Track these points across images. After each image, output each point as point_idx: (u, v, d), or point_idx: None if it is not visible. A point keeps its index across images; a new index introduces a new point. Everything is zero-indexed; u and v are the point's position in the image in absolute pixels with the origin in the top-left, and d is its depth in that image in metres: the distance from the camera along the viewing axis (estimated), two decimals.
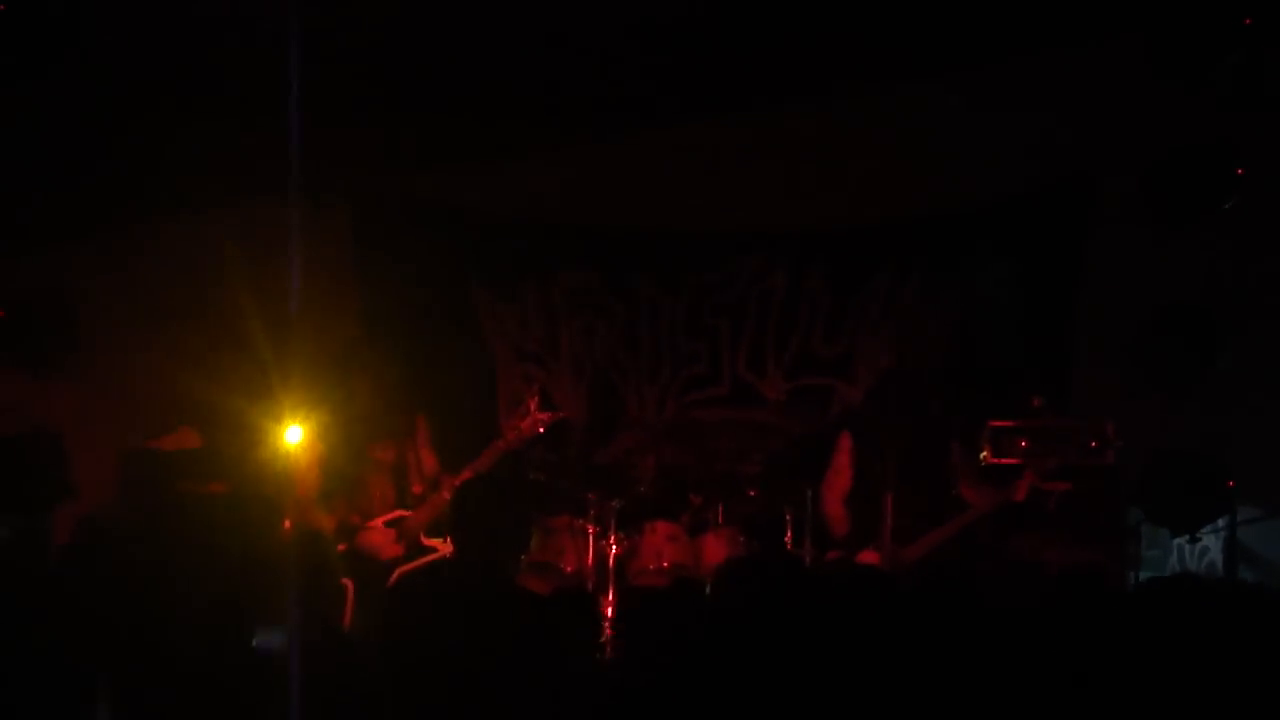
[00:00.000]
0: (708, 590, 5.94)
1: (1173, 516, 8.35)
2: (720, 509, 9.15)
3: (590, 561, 8.72)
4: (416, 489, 7.49)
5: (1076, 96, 9.03)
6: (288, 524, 7.24)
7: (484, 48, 8.27)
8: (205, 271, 9.44)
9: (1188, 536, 8.47)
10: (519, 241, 10.22)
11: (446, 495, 7.41)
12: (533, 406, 7.88)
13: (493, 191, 10.00)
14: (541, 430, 7.80)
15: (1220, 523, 8.64)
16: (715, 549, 8.72)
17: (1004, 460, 8.04)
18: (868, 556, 7.51)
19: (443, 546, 7.47)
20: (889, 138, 9.54)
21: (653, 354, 10.31)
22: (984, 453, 8.07)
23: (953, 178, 9.64)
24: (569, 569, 8.70)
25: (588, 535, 8.75)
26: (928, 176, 9.66)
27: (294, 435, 7.45)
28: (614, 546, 8.75)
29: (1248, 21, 7.62)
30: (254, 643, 4.89)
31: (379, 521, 7.32)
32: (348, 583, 6.61)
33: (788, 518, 8.68)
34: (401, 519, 7.36)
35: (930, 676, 4.73)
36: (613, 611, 8.55)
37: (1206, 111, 8.19)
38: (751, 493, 9.21)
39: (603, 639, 7.30)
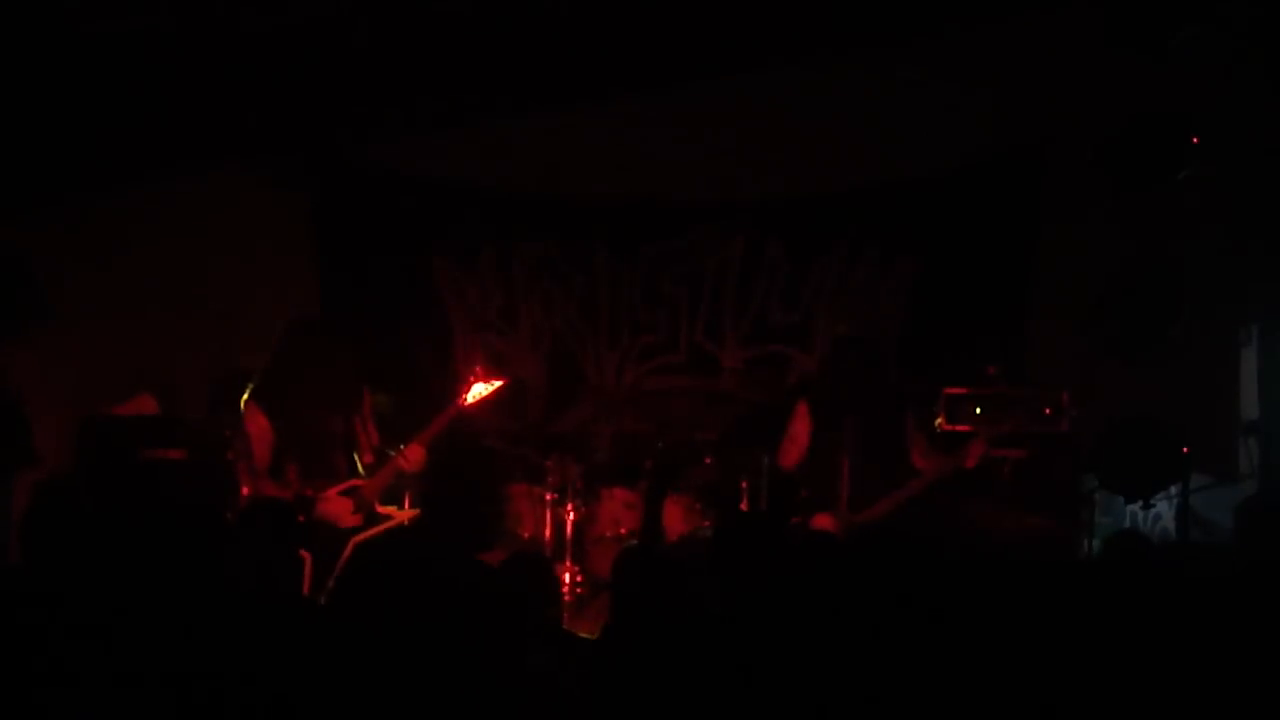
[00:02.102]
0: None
1: (1126, 483, 8.43)
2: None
3: (548, 529, 8.75)
4: (367, 459, 7.48)
5: (1031, 66, 9.10)
6: (245, 493, 7.24)
7: (439, 17, 8.27)
8: (167, 240, 9.43)
9: (1141, 503, 8.56)
10: (478, 211, 10.22)
11: (400, 464, 7.40)
12: (480, 374, 7.87)
13: (452, 161, 10.00)
14: (486, 399, 7.79)
15: (1173, 489, 8.73)
16: (672, 516, 8.75)
17: (958, 427, 8.10)
18: (823, 522, 7.53)
19: (398, 514, 7.48)
20: (845, 107, 9.58)
21: (611, 322, 10.33)
22: (938, 420, 8.11)
23: (909, 147, 9.70)
24: (526, 535, 8.75)
25: (545, 502, 8.78)
26: (884, 146, 9.73)
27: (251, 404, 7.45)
28: (571, 513, 8.78)
29: None
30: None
31: (333, 492, 7.30)
32: (305, 555, 6.62)
33: (744, 485, 8.72)
34: (357, 488, 7.34)
35: (882, 639, 4.77)
36: (570, 578, 8.60)
37: (1160, 81, 8.25)
38: (708, 460, 9.24)
39: (559, 606, 7.36)
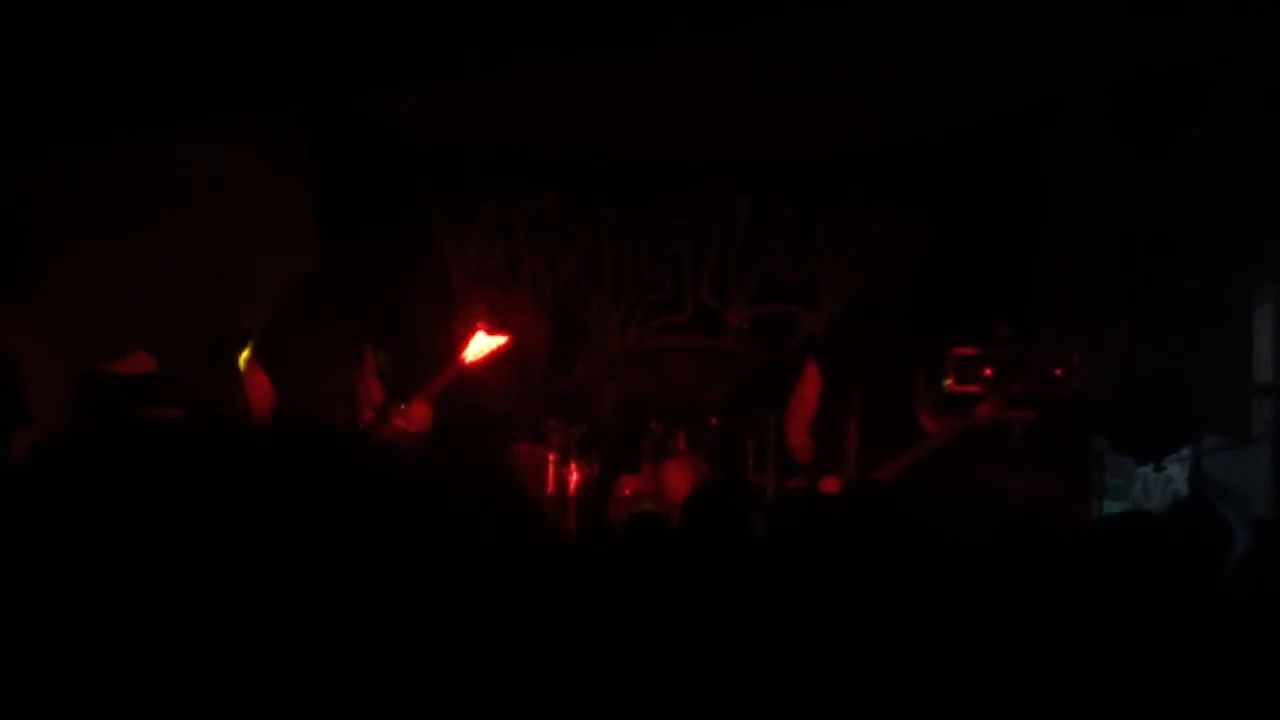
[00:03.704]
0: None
1: (1138, 445, 8.36)
2: (682, 437, 9.09)
3: (550, 489, 8.66)
4: (368, 417, 7.40)
5: (1043, 23, 8.94)
6: None
7: None
8: (164, 196, 9.31)
9: (1152, 465, 8.47)
10: (480, 166, 10.09)
11: (399, 422, 7.33)
12: (481, 330, 7.79)
13: (453, 115, 9.87)
14: (487, 356, 7.71)
15: (1185, 451, 8.65)
16: (677, 477, 8.65)
17: (968, 388, 7.98)
18: (830, 484, 7.44)
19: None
20: (855, 63, 9.43)
21: (615, 280, 10.21)
22: (948, 380, 8.01)
23: (918, 104, 9.55)
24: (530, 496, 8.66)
25: (548, 463, 8.69)
26: (893, 103, 9.56)
27: (251, 362, 7.38)
28: (575, 474, 8.69)
29: None
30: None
31: None
32: None
33: (750, 446, 8.63)
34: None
35: (885, 602, 4.68)
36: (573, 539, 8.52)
37: (1174, 38, 8.13)
38: (714, 421, 9.15)
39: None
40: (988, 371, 7.98)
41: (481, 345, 7.72)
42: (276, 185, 9.81)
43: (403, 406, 7.41)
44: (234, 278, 9.14)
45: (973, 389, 7.92)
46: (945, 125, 9.70)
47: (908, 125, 9.74)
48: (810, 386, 7.83)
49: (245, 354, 7.44)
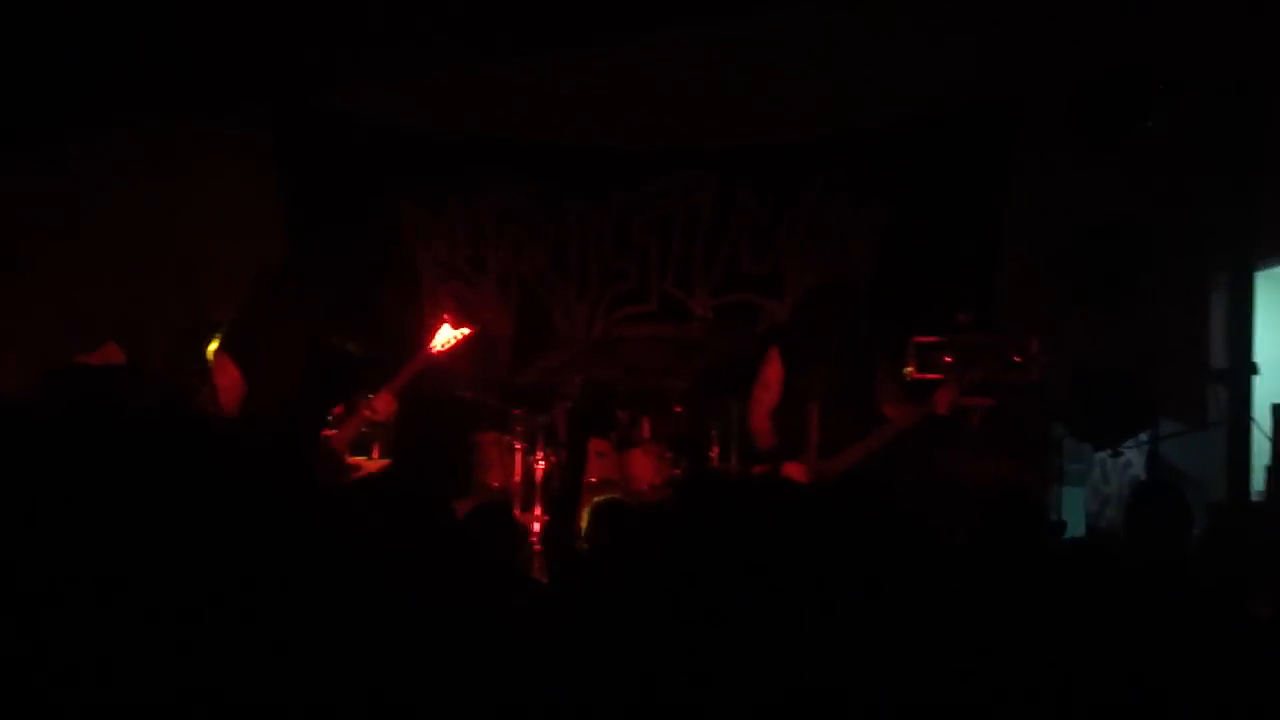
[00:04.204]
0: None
1: (1094, 431, 8.46)
2: (647, 425, 9.19)
3: (517, 478, 8.73)
4: (337, 409, 7.46)
5: (1004, 14, 9.04)
6: None
7: None
8: (133, 189, 9.36)
9: (1109, 451, 8.59)
10: (445, 158, 10.14)
11: (365, 413, 7.39)
12: (447, 321, 7.86)
13: (419, 108, 9.93)
14: (453, 346, 7.77)
15: (1144, 436, 8.76)
16: (642, 465, 8.75)
17: (928, 375, 8.09)
18: (793, 470, 7.54)
19: (366, 464, 7.48)
20: (819, 54, 9.53)
21: (581, 270, 10.28)
22: (909, 368, 8.12)
23: (880, 95, 9.64)
24: (496, 485, 8.73)
25: (515, 451, 8.76)
26: (856, 93, 9.66)
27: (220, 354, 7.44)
28: (541, 462, 8.76)
29: None
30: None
31: None
32: None
33: (714, 433, 8.72)
34: (325, 438, 7.33)
35: (848, 587, 4.77)
36: (539, 527, 8.59)
37: (1130, 30, 8.24)
38: (678, 409, 9.24)
39: (524, 554, 7.35)
40: (948, 359, 8.08)
41: (447, 336, 7.78)
42: (245, 179, 9.88)
43: (370, 397, 7.47)
44: (203, 270, 9.20)
45: (933, 376, 8.02)
46: (907, 116, 9.78)
47: (870, 116, 9.82)
48: (772, 373, 7.92)
49: (213, 345, 7.49)
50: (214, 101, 9.48)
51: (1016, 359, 8.06)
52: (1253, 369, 8.35)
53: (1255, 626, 4.98)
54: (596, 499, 6.41)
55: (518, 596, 5.26)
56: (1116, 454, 8.67)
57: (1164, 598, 4.84)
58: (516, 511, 8.46)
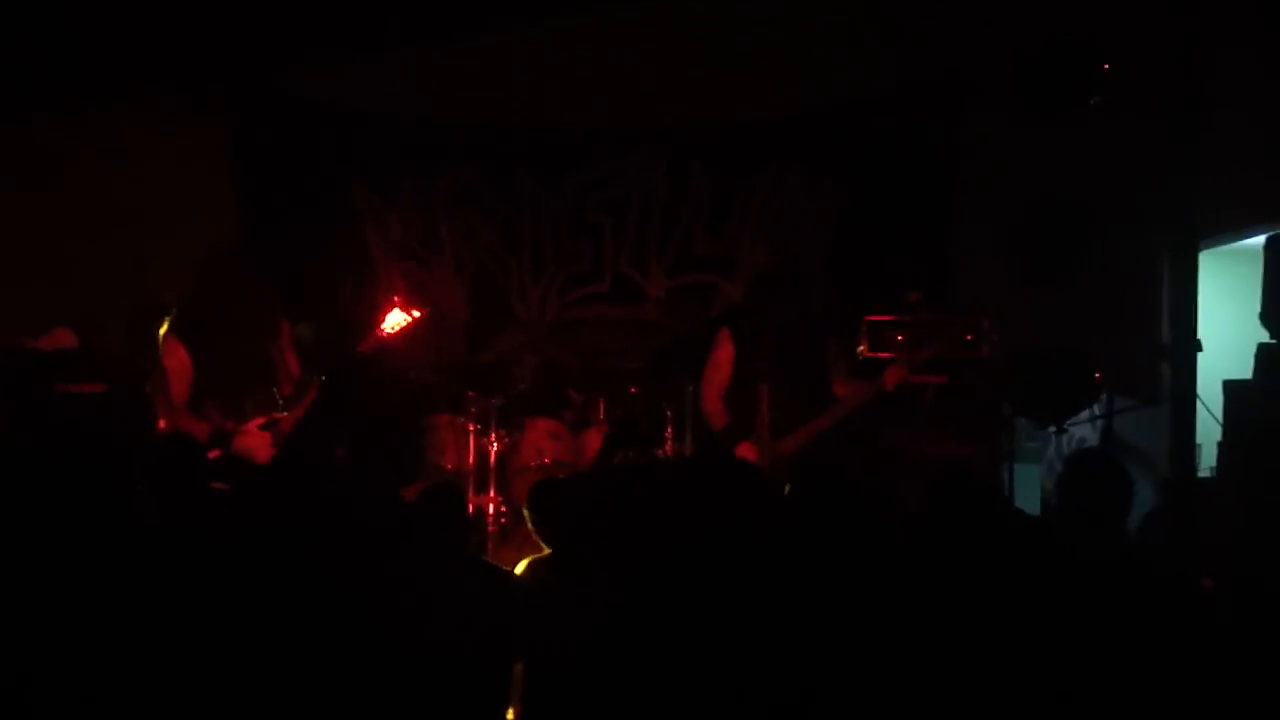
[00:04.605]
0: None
1: (1038, 409, 8.51)
2: (601, 406, 9.20)
3: (471, 459, 8.74)
4: (286, 391, 7.45)
5: None
6: (161, 425, 7.20)
7: None
8: (85, 170, 9.31)
9: (1053, 428, 8.64)
10: (399, 140, 10.11)
11: (315, 395, 7.39)
12: (398, 303, 7.86)
13: (371, 89, 9.90)
14: (405, 329, 7.78)
15: (1097, 410, 8.82)
16: (596, 446, 8.75)
17: (880, 354, 8.12)
18: (745, 451, 7.58)
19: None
20: (769, 34, 9.56)
21: (535, 252, 10.26)
22: (861, 346, 8.15)
23: (832, 74, 9.68)
24: (450, 466, 8.73)
25: (468, 433, 8.77)
26: (807, 73, 9.69)
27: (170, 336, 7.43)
28: (495, 444, 8.77)
29: None
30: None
31: (253, 425, 7.27)
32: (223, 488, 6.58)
33: (668, 414, 8.74)
34: (275, 421, 7.32)
35: (802, 566, 4.80)
36: (494, 509, 8.60)
37: (1073, 5, 8.27)
38: (633, 390, 9.25)
39: (473, 536, 7.37)
40: (900, 337, 8.11)
41: (398, 319, 7.78)
42: (197, 160, 9.81)
43: (321, 379, 7.47)
44: (156, 253, 9.17)
45: (885, 355, 8.06)
46: (858, 96, 9.82)
47: (822, 96, 9.85)
48: (723, 354, 7.97)
49: (164, 328, 7.48)
50: (166, 85, 9.44)
51: (968, 337, 8.10)
52: (1196, 345, 8.38)
53: (1198, 599, 5.04)
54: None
55: (472, 579, 5.28)
56: (1060, 431, 8.71)
57: (1113, 575, 4.88)
58: (470, 493, 8.47)
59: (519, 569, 5.45)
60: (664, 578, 4.76)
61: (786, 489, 5.45)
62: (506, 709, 4.95)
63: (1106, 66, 8.20)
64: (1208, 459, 8.66)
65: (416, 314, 7.85)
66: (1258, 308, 8.15)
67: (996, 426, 8.61)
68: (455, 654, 4.75)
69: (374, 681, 4.46)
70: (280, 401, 7.42)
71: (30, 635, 4.53)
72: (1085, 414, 8.80)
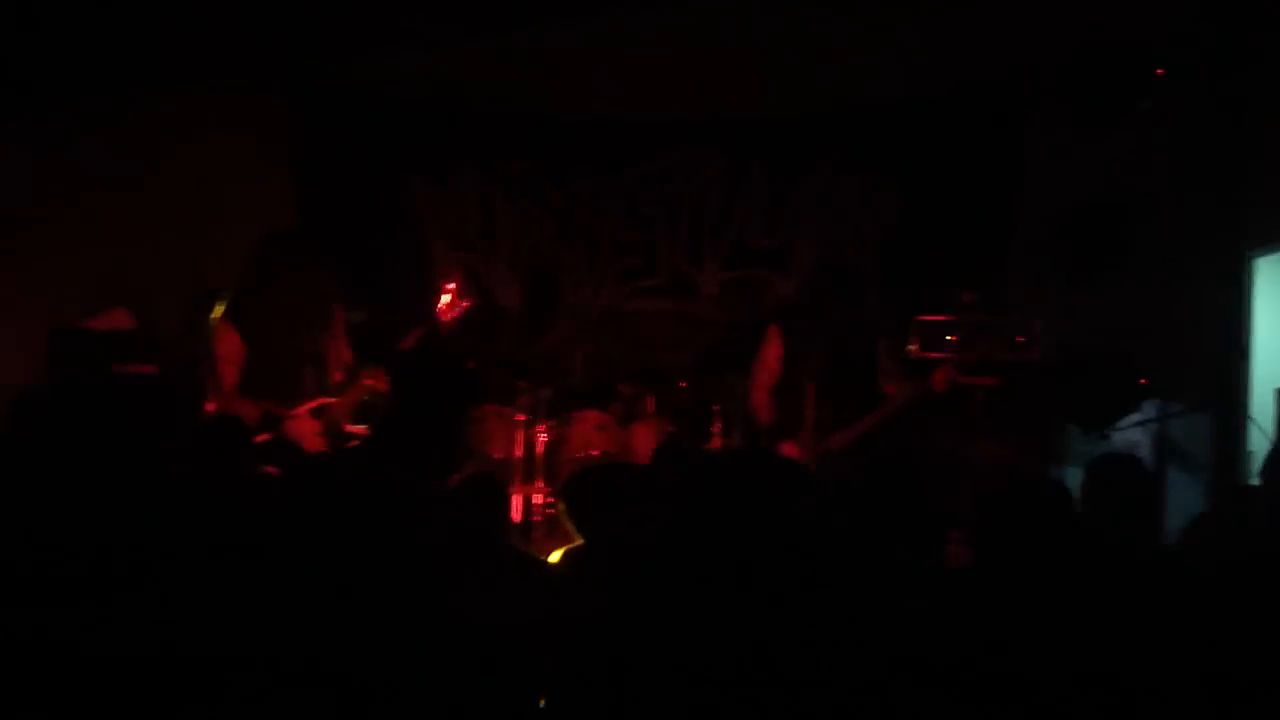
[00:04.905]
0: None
1: (1082, 413, 8.46)
2: (650, 399, 9.22)
3: (519, 450, 8.76)
4: (337, 377, 7.49)
5: None
6: (210, 408, 7.25)
7: None
8: (145, 154, 9.39)
9: (1096, 433, 8.59)
10: (457, 130, 10.17)
11: (367, 382, 7.42)
12: (451, 292, 7.90)
13: (432, 79, 9.94)
14: (456, 317, 7.82)
15: (1152, 414, 8.76)
16: (645, 439, 8.77)
17: (931, 354, 8.10)
18: (789, 448, 7.58)
19: (367, 434, 7.51)
20: (830, 30, 9.51)
21: (590, 244, 10.31)
22: (912, 346, 8.13)
23: (892, 71, 9.63)
24: (498, 456, 8.76)
25: (517, 424, 8.79)
26: (868, 69, 9.64)
27: (223, 321, 7.48)
28: (543, 435, 8.80)
29: None
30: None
31: (303, 410, 7.32)
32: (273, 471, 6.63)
33: (716, 409, 8.74)
34: (325, 407, 7.36)
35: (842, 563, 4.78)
36: (541, 499, 8.62)
37: (1128, 9, 8.22)
38: (682, 384, 9.26)
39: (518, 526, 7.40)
40: (951, 337, 8.08)
41: (450, 308, 7.82)
42: (257, 146, 9.90)
43: (371, 367, 7.51)
44: (212, 236, 9.24)
45: (936, 355, 8.03)
46: (917, 94, 9.78)
47: (882, 92, 9.83)
48: (772, 352, 7.97)
49: (217, 313, 7.53)
50: (228, 73, 9.51)
51: (1019, 339, 8.07)
52: (1244, 352, 8.33)
53: (1239, 603, 4.97)
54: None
55: (510, 573, 5.29)
56: (1103, 436, 8.65)
57: (1150, 577, 4.82)
58: (517, 483, 8.50)
59: (553, 558, 5.47)
60: (697, 573, 4.75)
61: (839, 487, 5.44)
62: (539, 698, 4.95)
63: (1160, 71, 8.16)
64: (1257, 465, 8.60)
65: (467, 303, 7.89)
66: None
67: (1047, 429, 8.57)
68: (489, 642, 4.76)
69: (407, 667, 4.47)
70: (331, 388, 7.46)
71: (77, 616, 4.58)
72: (1136, 418, 8.75)
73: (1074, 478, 8.98)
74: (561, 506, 5.58)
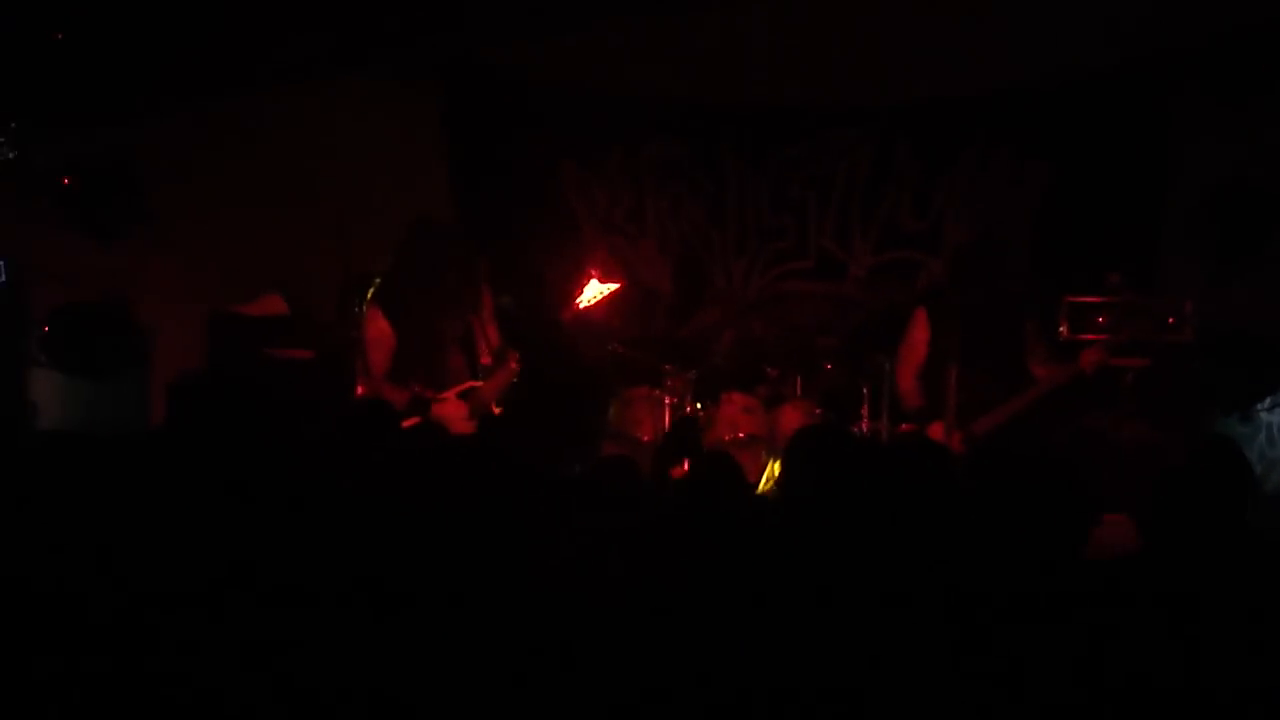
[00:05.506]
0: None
1: (1225, 393, 8.33)
2: (798, 381, 9.22)
3: (667, 430, 8.82)
4: (485, 360, 7.59)
5: None
6: (360, 392, 7.39)
7: None
8: (300, 141, 9.55)
9: (1237, 414, 8.44)
10: (607, 114, 10.23)
11: (514, 365, 7.52)
12: (595, 276, 7.96)
13: (581, 64, 10.00)
14: (600, 301, 7.88)
15: None
16: (791, 421, 8.75)
17: (1081, 336, 8.04)
18: (934, 431, 7.54)
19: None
20: (977, 10, 9.43)
21: (739, 227, 10.34)
22: (1062, 328, 8.07)
23: (1041, 52, 9.51)
24: (645, 439, 8.82)
25: (664, 406, 8.85)
26: (1016, 50, 9.54)
27: (373, 306, 7.60)
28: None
29: None
30: None
31: (451, 393, 7.42)
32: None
33: (864, 391, 8.72)
34: (473, 390, 7.46)
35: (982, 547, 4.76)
36: None
37: None
38: (828, 366, 9.25)
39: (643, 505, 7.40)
40: (1100, 319, 8.02)
41: (594, 291, 7.90)
42: (409, 133, 10.04)
43: (519, 350, 7.60)
44: (366, 222, 9.40)
45: (1085, 336, 7.96)
46: (1068, 73, 9.66)
47: (1031, 72, 9.72)
48: (919, 335, 7.94)
49: (367, 298, 7.65)
50: (382, 61, 9.65)
51: (1170, 320, 7.98)
52: None
53: None
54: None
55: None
56: (1246, 418, 8.49)
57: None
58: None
59: None
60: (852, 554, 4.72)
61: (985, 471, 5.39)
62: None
63: None
64: None
65: (613, 286, 7.95)
66: None
67: (1193, 410, 8.44)
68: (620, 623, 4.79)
69: (532, 649, 4.53)
70: (479, 371, 7.56)
71: (225, 601, 4.68)
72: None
73: None
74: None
